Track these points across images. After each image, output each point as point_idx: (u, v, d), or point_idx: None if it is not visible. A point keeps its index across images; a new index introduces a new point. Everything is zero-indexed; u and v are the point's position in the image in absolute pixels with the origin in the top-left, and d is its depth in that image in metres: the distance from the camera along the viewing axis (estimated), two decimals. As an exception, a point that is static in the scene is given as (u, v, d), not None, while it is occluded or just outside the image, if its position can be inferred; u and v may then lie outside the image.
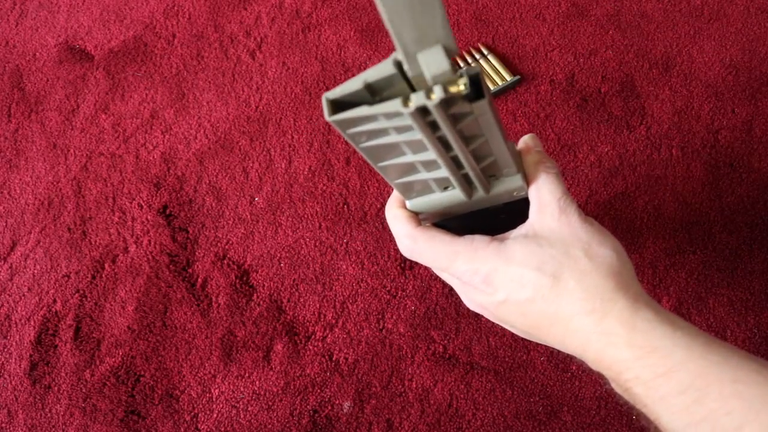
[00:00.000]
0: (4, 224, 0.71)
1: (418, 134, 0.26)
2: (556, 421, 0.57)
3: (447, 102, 0.24)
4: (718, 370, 0.25)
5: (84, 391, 0.61)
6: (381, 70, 0.25)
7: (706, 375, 0.25)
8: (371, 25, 0.80)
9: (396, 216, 0.34)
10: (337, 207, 0.68)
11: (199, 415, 0.60)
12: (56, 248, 0.69)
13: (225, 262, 0.66)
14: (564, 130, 0.70)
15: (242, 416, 0.60)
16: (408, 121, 0.25)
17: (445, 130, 0.26)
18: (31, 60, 0.83)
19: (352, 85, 0.25)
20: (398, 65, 0.24)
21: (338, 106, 0.25)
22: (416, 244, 0.33)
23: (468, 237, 0.32)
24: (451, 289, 0.63)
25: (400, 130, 0.26)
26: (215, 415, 0.60)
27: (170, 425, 0.59)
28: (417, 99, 0.23)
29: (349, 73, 0.77)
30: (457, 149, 0.28)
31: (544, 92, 0.73)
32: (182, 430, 0.59)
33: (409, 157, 0.29)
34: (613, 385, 0.30)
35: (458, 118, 0.26)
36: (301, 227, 0.67)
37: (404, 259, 0.65)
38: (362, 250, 0.65)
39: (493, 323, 0.61)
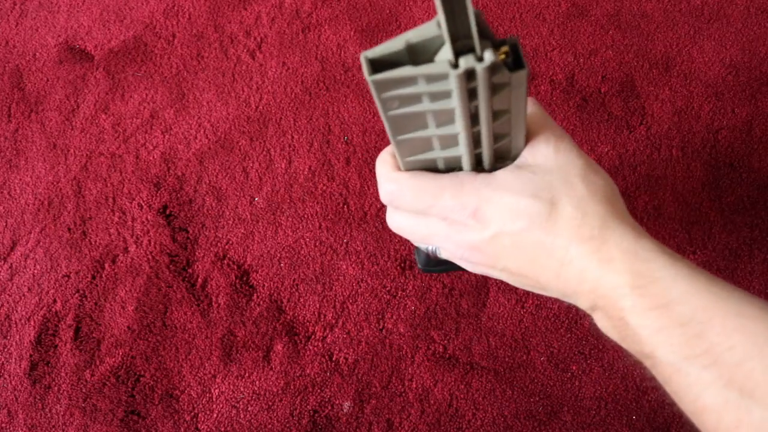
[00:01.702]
0: (4, 224, 0.71)
1: (452, 103, 0.26)
2: (556, 421, 0.57)
3: (492, 69, 0.24)
4: (722, 304, 0.24)
5: (84, 391, 0.61)
6: (425, 31, 0.24)
7: (710, 308, 0.24)
8: (371, 25, 0.80)
9: (384, 160, 0.33)
10: (337, 207, 0.68)
11: (199, 415, 0.60)
12: (56, 248, 0.69)
13: (225, 262, 0.66)
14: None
15: (242, 416, 0.60)
16: (450, 85, 0.24)
17: (482, 98, 0.25)
18: (31, 60, 0.83)
19: (394, 44, 0.24)
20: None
21: (376, 67, 0.25)
22: (399, 184, 0.31)
23: (453, 173, 0.31)
24: (452, 288, 0.63)
25: (434, 97, 0.26)
26: (215, 415, 0.60)
27: (170, 425, 0.59)
28: (466, 62, 0.23)
29: (349, 73, 0.77)
30: (484, 122, 0.27)
31: (544, 92, 0.73)
32: (182, 430, 0.59)
33: (430, 131, 0.29)
34: (602, 321, 0.29)
35: (496, 89, 0.26)
36: (301, 227, 0.67)
37: (404, 259, 0.65)
38: (362, 250, 0.65)
39: (493, 323, 0.61)
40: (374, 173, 0.73)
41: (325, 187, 0.69)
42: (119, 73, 0.81)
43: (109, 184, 0.72)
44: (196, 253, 0.67)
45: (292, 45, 0.80)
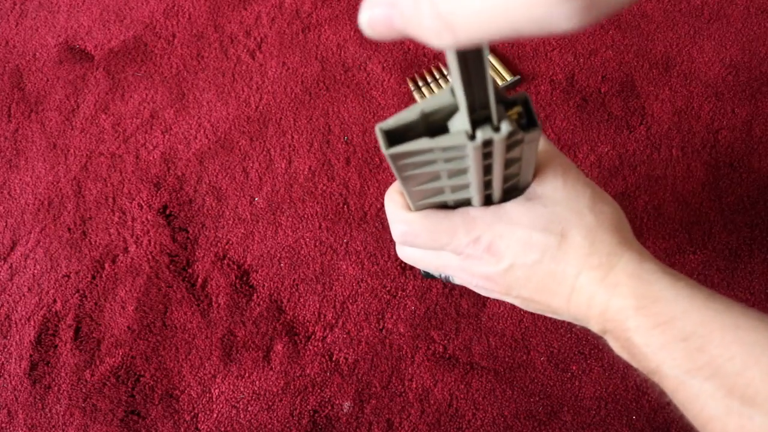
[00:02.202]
0: (4, 224, 0.71)
1: (466, 163, 0.26)
2: (556, 421, 0.57)
3: (508, 137, 0.24)
4: (720, 318, 0.25)
5: (84, 391, 0.61)
6: (438, 100, 0.24)
7: (709, 323, 0.25)
8: (371, 25, 0.80)
9: (393, 200, 0.33)
10: (337, 207, 0.68)
11: (199, 415, 0.60)
12: (56, 248, 0.69)
13: (225, 262, 0.66)
14: (564, 130, 0.70)
15: (242, 416, 0.60)
16: (466, 152, 0.24)
17: (497, 158, 0.26)
18: (31, 60, 0.83)
19: (408, 115, 0.24)
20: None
21: (392, 138, 0.24)
22: (411, 226, 0.32)
23: (461, 209, 0.32)
24: (452, 289, 0.63)
25: (449, 159, 0.26)
26: (215, 415, 0.60)
27: (170, 425, 0.59)
28: (484, 133, 0.23)
29: (349, 73, 0.77)
30: (497, 174, 0.28)
31: (544, 92, 0.73)
32: (182, 430, 0.59)
33: (442, 182, 0.29)
34: (613, 342, 0.30)
35: (510, 147, 0.26)
36: (301, 227, 0.67)
37: (404, 259, 0.65)
38: (362, 250, 0.65)
39: (493, 323, 0.61)
40: (374, 173, 0.73)
41: (325, 187, 0.69)
42: (119, 73, 0.81)
43: (109, 184, 0.72)
44: (196, 253, 0.67)
45: (292, 45, 0.80)
